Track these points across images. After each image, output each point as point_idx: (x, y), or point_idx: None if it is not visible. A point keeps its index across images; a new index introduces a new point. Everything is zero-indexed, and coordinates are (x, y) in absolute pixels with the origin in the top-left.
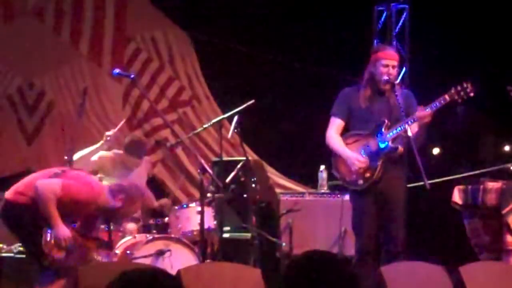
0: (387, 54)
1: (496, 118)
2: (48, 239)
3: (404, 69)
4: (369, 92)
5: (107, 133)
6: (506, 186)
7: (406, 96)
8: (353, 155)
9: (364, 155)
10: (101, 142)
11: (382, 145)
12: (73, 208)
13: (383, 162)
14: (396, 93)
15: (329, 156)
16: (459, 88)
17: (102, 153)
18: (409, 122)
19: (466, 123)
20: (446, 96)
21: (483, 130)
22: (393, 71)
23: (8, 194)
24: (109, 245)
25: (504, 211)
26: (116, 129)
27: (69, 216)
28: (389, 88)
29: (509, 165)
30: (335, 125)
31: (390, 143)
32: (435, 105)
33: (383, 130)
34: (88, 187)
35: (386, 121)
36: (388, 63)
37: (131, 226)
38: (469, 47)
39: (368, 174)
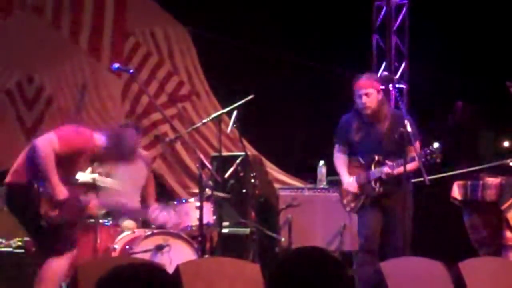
0: (357, 85)
1: (495, 114)
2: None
3: (403, 65)
4: (358, 125)
5: None
6: (505, 182)
7: (399, 118)
8: (346, 181)
9: (355, 183)
10: None
11: (367, 182)
12: (72, 160)
13: (365, 197)
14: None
15: (328, 152)
16: (427, 151)
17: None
18: (385, 170)
19: (465, 118)
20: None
21: (482, 126)
22: (368, 99)
23: (7, 178)
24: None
25: (503, 207)
26: None
27: (70, 170)
28: (375, 115)
29: (508, 160)
30: (339, 149)
31: (372, 183)
32: (397, 163)
33: (372, 167)
34: (82, 134)
35: (377, 157)
36: (360, 93)
37: (129, 223)
38: (468, 43)
39: (353, 204)
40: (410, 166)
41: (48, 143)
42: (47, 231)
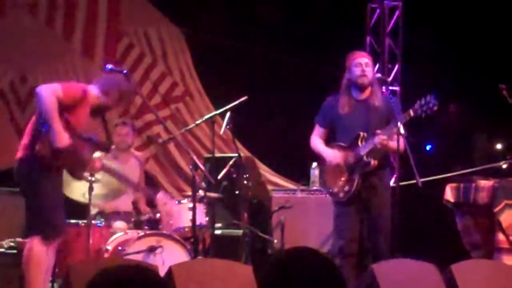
0: (356, 54)
1: (488, 116)
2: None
3: (396, 66)
4: (347, 99)
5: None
6: (498, 184)
7: (388, 101)
8: (329, 153)
9: (344, 166)
10: None
11: (358, 159)
12: (75, 112)
13: (360, 175)
14: (374, 96)
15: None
16: (422, 102)
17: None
18: (377, 139)
19: (458, 121)
20: (410, 111)
21: (475, 128)
22: (367, 69)
23: (18, 154)
24: (107, 146)
25: (495, 209)
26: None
27: (73, 123)
28: (369, 85)
29: (501, 163)
30: (318, 131)
31: (364, 158)
32: (400, 119)
33: (359, 143)
34: (80, 86)
35: (361, 133)
36: (359, 61)
37: (121, 224)
38: (461, 45)
39: (347, 188)
40: (400, 144)
41: (51, 90)
42: (38, 210)
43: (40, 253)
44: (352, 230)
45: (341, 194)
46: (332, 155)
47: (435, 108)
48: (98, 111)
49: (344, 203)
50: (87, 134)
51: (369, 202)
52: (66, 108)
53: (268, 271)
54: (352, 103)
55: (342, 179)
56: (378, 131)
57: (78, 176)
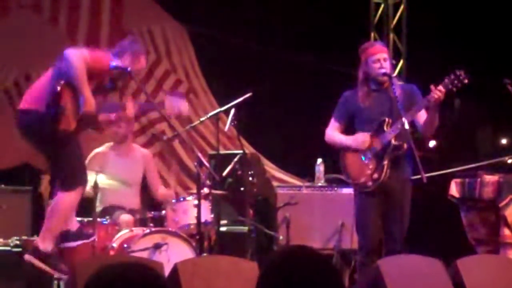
0: (375, 49)
1: (493, 111)
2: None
3: (401, 62)
4: (366, 91)
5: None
6: (503, 179)
7: (410, 90)
8: (355, 137)
9: (369, 155)
10: None
11: (385, 144)
12: (99, 79)
13: (389, 161)
14: (394, 87)
15: (326, 149)
16: (452, 76)
17: (92, 153)
18: (418, 108)
19: (463, 116)
20: (441, 87)
21: (480, 123)
22: (385, 64)
23: (22, 104)
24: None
25: (501, 204)
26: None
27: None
28: (387, 81)
29: (506, 158)
30: (334, 126)
31: (393, 141)
32: (428, 99)
33: (385, 129)
34: (102, 53)
35: (387, 119)
36: (378, 57)
37: (126, 217)
38: (466, 40)
39: (376, 175)
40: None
41: (80, 54)
42: (62, 159)
43: (70, 204)
44: (376, 226)
45: (370, 183)
46: (361, 138)
47: (466, 81)
48: (117, 78)
49: (368, 194)
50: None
51: (393, 194)
52: (92, 74)
53: (264, 272)
54: (372, 95)
55: (370, 167)
56: (432, 86)
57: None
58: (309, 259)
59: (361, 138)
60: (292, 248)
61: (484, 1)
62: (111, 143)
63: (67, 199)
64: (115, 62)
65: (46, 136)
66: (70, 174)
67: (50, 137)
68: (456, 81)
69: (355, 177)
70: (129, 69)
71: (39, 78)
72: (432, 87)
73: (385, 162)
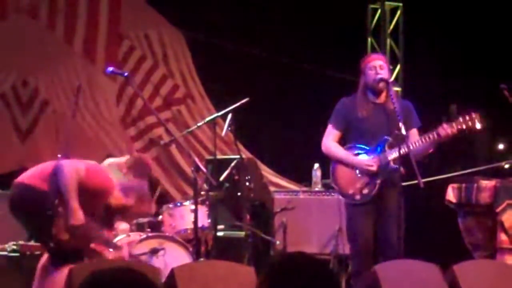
0: (371, 57)
1: (490, 116)
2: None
3: (398, 67)
4: (365, 102)
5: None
6: (500, 184)
7: (406, 107)
8: (363, 161)
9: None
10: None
11: (383, 164)
12: (91, 198)
13: (382, 180)
14: (391, 93)
15: (323, 155)
16: (467, 118)
17: (110, 160)
18: (423, 140)
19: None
20: (454, 125)
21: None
22: (382, 71)
23: (24, 178)
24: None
25: (497, 209)
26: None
27: (87, 208)
28: (384, 88)
29: (503, 163)
30: (332, 134)
31: (391, 164)
32: (438, 133)
33: (385, 148)
34: (106, 175)
35: (390, 139)
36: (374, 64)
37: (123, 226)
38: (463, 45)
39: (366, 191)
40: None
41: (74, 168)
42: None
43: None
44: (366, 232)
45: (358, 197)
46: (365, 163)
47: (479, 126)
48: (117, 210)
49: (358, 204)
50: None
51: (385, 203)
52: (85, 193)
53: (263, 278)
54: (370, 106)
55: (361, 181)
56: (444, 124)
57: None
58: (308, 265)
59: (366, 163)
60: (291, 254)
61: (481, 6)
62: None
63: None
64: (111, 68)
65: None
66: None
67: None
68: (470, 123)
69: (343, 187)
70: (126, 74)
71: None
72: (444, 124)
73: (378, 182)
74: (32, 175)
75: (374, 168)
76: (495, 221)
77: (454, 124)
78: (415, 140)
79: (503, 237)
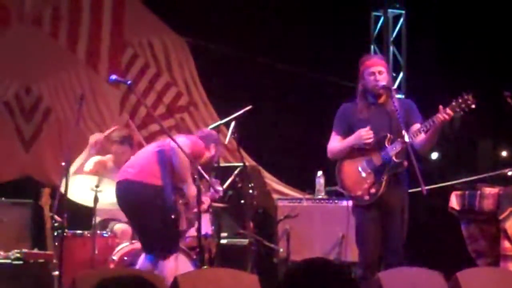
0: (371, 61)
1: (493, 124)
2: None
3: (401, 75)
4: (365, 105)
5: (93, 137)
6: (503, 192)
7: (407, 105)
8: (358, 134)
9: (368, 169)
10: (87, 149)
11: (386, 160)
12: (192, 164)
13: (388, 177)
14: (393, 100)
15: (326, 162)
16: (460, 100)
17: (96, 158)
18: (423, 129)
19: (463, 128)
20: (448, 110)
21: (480, 136)
22: (381, 77)
23: (133, 176)
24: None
25: (501, 217)
26: (104, 134)
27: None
28: (386, 94)
29: (506, 170)
30: (335, 140)
31: (394, 158)
32: (434, 121)
33: (386, 144)
34: (197, 140)
35: (389, 135)
36: (373, 70)
37: (121, 226)
38: (465, 53)
39: (373, 190)
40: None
41: (185, 146)
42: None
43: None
44: (375, 241)
45: (367, 197)
46: (362, 132)
47: (473, 105)
48: (205, 166)
49: (366, 208)
50: None
51: (390, 206)
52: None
53: (283, 282)
54: (370, 108)
55: (368, 181)
56: (441, 107)
57: None
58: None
59: (362, 133)
60: (312, 260)
61: (483, 14)
62: (113, 156)
63: (168, 265)
64: (114, 76)
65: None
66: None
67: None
68: (463, 105)
69: (351, 189)
70: (129, 82)
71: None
72: (440, 108)
73: (384, 178)
74: (140, 172)
75: (371, 139)
76: (499, 229)
77: (448, 109)
78: (414, 131)
79: (506, 244)
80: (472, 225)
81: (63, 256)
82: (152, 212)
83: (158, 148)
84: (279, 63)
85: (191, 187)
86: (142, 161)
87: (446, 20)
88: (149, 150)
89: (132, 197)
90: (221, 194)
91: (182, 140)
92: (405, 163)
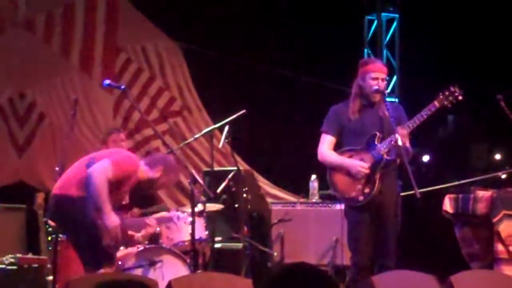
0: (377, 67)
1: (487, 127)
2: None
3: (394, 78)
4: (358, 105)
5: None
6: (496, 195)
7: (396, 108)
8: (356, 162)
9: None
10: None
11: (377, 159)
12: (120, 183)
13: (380, 175)
14: (386, 103)
15: (320, 166)
16: (447, 93)
17: None
18: (399, 131)
19: (456, 131)
20: (436, 103)
21: (473, 139)
22: (383, 84)
23: (56, 189)
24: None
25: (494, 220)
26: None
27: (117, 195)
28: (379, 98)
29: (499, 173)
30: (326, 141)
31: (385, 156)
32: (423, 114)
33: (376, 143)
34: (128, 158)
35: (378, 133)
36: (377, 76)
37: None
38: (458, 56)
39: (367, 190)
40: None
41: (103, 172)
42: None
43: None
44: (367, 243)
45: (361, 197)
46: (359, 165)
47: (460, 97)
48: (144, 186)
49: (359, 210)
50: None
51: (382, 207)
52: (114, 182)
53: (267, 285)
54: (362, 110)
55: (361, 181)
56: (399, 127)
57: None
58: (312, 275)
59: (360, 164)
60: (293, 264)
61: (476, 18)
62: None
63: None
64: (108, 81)
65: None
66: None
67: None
68: (450, 98)
69: (345, 191)
70: (123, 87)
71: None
72: (429, 105)
73: (377, 176)
74: (66, 184)
75: (367, 170)
76: (492, 232)
77: (436, 102)
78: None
79: (500, 247)
80: (465, 228)
81: (57, 261)
82: (75, 225)
83: (88, 160)
84: (272, 67)
85: (108, 217)
86: (69, 173)
87: (440, 24)
88: (80, 161)
89: (55, 210)
90: (155, 230)
91: (102, 164)
92: (397, 160)
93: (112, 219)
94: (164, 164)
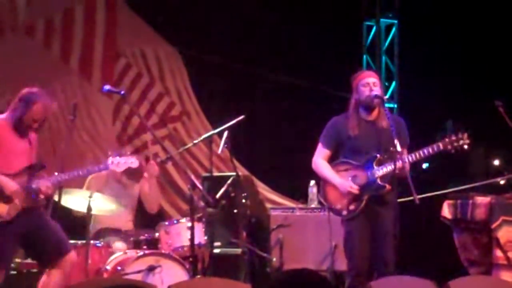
0: (364, 74)
1: (485, 132)
2: None
3: (393, 84)
4: (357, 120)
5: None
6: (495, 201)
7: (399, 124)
8: (346, 183)
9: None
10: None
11: (370, 181)
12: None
13: (369, 197)
14: (387, 112)
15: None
16: (453, 137)
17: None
18: (412, 157)
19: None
20: (440, 145)
21: (472, 144)
22: (376, 88)
23: None
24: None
25: (493, 226)
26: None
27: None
28: (378, 106)
29: (498, 179)
30: (322, 153)
31: (378, 181)
32: (425, 151)
33: (374, 165)
34: None
35: (378, 156)
36: (367, 81)
37: (120, 245)
38: (457, 62)
39: (352, 207)
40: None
41: None
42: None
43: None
44: (362, 251)
45: (345, 212)
46: (348, 185)
47: (466, 146)
48: (21, 129)
49: (351, 219)
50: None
51: (380, 220)
52: None
53: None
54: (362, 124)
55: (348, 197)
56: (401, 156)
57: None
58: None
59: (348, 188)
60: (295, 270)
61: (475, 24)
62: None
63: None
64: (108, 86)
65: None
66: None
67: None
68: (455, 144)
69: (332, 201)
70: (122, 92)
71: None
72: (432, 145)
73: (365, 198)
74: None
75: (356, 192)
76: (491, 237)
77: (440, 144)
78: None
79: (498, 253)
80: (464, 234)
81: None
82: None
83: None
84: (271, 73)
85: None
86: None
87: (438, 30)
88: None
89: None
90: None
91: None
92: (388, 187)
93: (9, 185)
94: (20, 98)
